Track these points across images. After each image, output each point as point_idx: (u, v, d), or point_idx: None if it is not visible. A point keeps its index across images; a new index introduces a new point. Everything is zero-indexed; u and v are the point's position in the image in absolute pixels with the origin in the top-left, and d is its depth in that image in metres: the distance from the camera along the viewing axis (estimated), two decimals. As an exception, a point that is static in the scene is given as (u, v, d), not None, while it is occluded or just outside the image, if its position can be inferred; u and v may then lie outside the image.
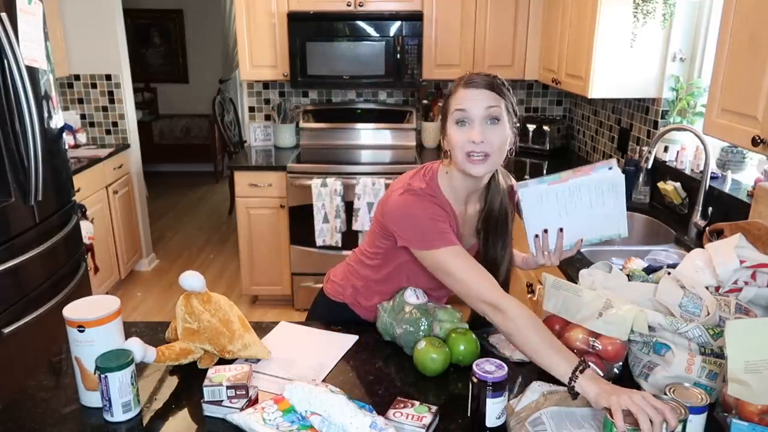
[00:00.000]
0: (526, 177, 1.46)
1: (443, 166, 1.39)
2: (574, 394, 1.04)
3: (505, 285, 1.42)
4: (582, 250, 2.10)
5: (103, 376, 1.05)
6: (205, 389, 1.09)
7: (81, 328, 1.08)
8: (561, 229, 1.34)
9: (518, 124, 1.38)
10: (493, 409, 1.04)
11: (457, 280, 1.25)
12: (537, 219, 1.34)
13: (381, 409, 1.06)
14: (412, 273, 1.41)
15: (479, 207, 1.43)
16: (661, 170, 2.60)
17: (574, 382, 1.03)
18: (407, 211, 1.30)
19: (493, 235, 1.41)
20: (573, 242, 1.37)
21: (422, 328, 1.30)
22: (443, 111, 1.35)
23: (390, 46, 3.45)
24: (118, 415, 1.08)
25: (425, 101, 3.92)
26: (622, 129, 3.09)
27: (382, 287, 1.46)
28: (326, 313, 1.57)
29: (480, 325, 1.38)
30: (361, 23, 3.44)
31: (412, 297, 1.37)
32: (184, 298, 1.26)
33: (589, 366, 1.07)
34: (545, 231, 1.34)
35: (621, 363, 1.19)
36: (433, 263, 1.28)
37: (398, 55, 3.47)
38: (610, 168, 1.31)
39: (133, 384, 1.08)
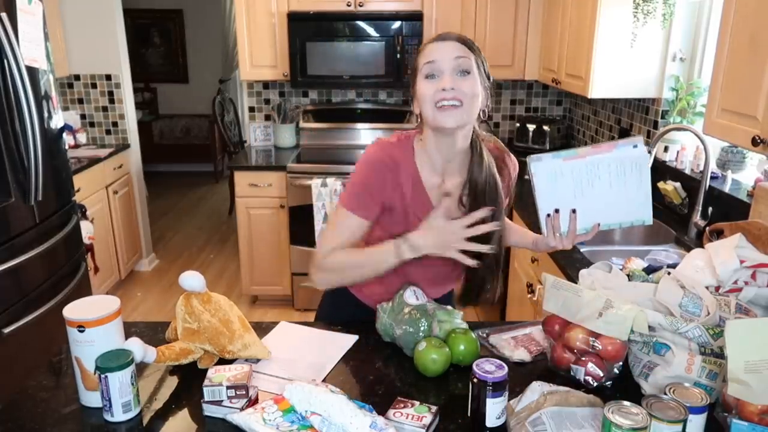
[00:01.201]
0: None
1: (417, 135, 1.36)
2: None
3: (497, 263, 1.38)
4: (582, 250, 2.10)
5: (103, 376, 1.05)
6: (205, 389, 1.09)
7: (81, 328, 1.08)
8: (574, 211, 1.26)
9: (490, 86, 1.31)
10: (493, 409, 1.04)
11: (325, 230, 1.39)
12: (550, 197, 1.25)
13: (381, 409, 1.06)
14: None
15: (460, 179, 1.36)
16: (661, 170, 2.60)
17: (403, 247, 1.25)
18: (356, 168, 1.34)
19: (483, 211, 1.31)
20: (588, 226, 1.28)
21: (422, 328, 1.30)
22: (412, 70, 1.30)
23: (390, 46, 3.45)
24: (118, 415, 1.07)
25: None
26: (622, 129, 3.09)
27: None
28: (331, 308, 1.56)
29: (468, 299, 1.43)
30: (361, 23, 3.44)
31: (412, 298, 1.36)
32: (184, 298, 1.26)
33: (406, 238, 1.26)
34: (556, 211, 1.26)
35: (621, 363, 1.19)
36: (333, 212, 1.37)
37: (398, 55, 3.47)
38: (635, 146, 1.20)
39: (133, 384, 1.08)
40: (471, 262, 1.25)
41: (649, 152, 2.27)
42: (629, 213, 1.26)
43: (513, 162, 1.46)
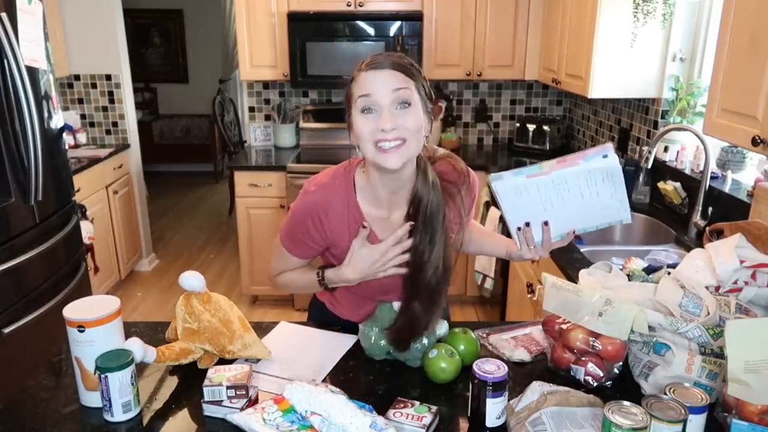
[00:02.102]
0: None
1: (359, 166, 1.28)
2: (331, 288, 1.34)
3: (438, 287, 1.24)
4: (582, 250, 2.10)
5: (103, 376, 1.05)
6: (205, 389, 1.09)
7: (81, 328, 1.08)
8: (546, 223, 1.21)
9: (432, 109, 1.21)
10: (493, 409, 1.04)
11: (272, 256, 1.41)
12: (518, 213, 1.21)
13: (381, 409, 1.06)
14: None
15: (405, 205, 1.25)
16: (661, 170, 2.60)
17: (322, 276, 1.31)
18: (289, 212, 1.33)
19: (422, 232, 1.21)
20: (563, 233, 1.24)
21: (425, 336, 1.26)
22: (346, 99, 1.19)
23: (390, 46, 3.45)
24: (118, 415, 1.08)
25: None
26: (622, 129, 3.09)
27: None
28: (318, 313, 1.54)
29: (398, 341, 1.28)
30: (361, 23, 3.44)
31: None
32: (184, 298, 1.26)
33: (326, 268, 1.32)
34: (527, 224, 1.22)
35: (621, 363, 1.19)
36: (274, 244, 1.40)
37: (398, 55, 3.47)
38: (605, 156, 1.12)
39: (133, 384, 1.08)
40: (402, 271, 1.25)
41: (649, 152, 2.27)
42: (606, 216, 1.21)
43: (472, 181, 1.32)
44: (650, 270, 1.43)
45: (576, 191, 1.16)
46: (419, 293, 1.23)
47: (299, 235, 1.31)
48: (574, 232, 1.25)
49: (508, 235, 1.34)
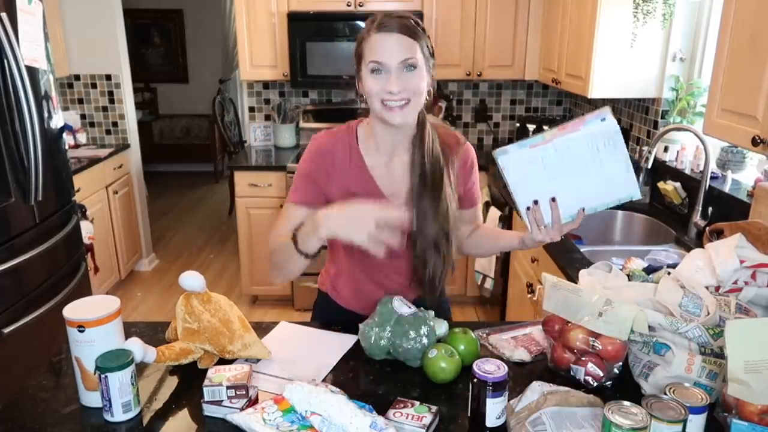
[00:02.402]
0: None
1: (362, 121, 1.39)
2: (304, 254, 1.21)
3: (440, 242, 1.34)
4: (582, 250, 2.10)
5: (103, 376, 1.05)
6: (205, 389, 1.09)
7: (81, 328, 1.08)
8: (553, 199, 1.21)
9: (434, 65, 1.31)
10: (493, 409, 1.04)
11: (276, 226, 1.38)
12: (525, 189, 1.20)
13: (381, 409, 1.06)
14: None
15: (407, 159, 1.36)
16: (661, 170, 2.60)
17: (296, 239, 1.20)
18: (299, 163, 1.39)
19: (421, 186, 1.32)
20: (573, 213, 1.22)
21: (425, 335, 1.26)
22: (357, 55, 1.29)
23: (390, 46, 3.45)
24: (118, 415, 1.08)
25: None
26: (622, 129, 3.09)
27: (339, 266, 1.51)
28: (322, 311, 1.58)
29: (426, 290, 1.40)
30: (361, 23, 3.44)
31: (403, 307, 1.31)
32: (184, 298, 1.26)
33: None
34: (535, 202, 1.22)
35: (621, 363, 1.19)
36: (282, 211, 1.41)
37: (398, 55, 3.47)
38: (603, 119, 1.13)
39: (133, 384, 1.08)
40: (381, 249, 1.13)
41: (649, 152, 2.27)
42: (613, 192, 1.20)
43: (466, 147, 1.44)
44: (650, 270, 1.43)
45: (580, 160, 1.16)
46: (426, 244, 1.33)
47: (304, 180, 1.36)
48: (583, 211, 1.23)
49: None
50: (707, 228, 1.65)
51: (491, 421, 1.05)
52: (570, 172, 1.17)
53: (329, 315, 1.55)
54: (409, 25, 1.23)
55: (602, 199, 1.21)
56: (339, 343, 1.37)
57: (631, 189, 1.19)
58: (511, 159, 1.17)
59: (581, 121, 1.14)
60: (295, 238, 1.21)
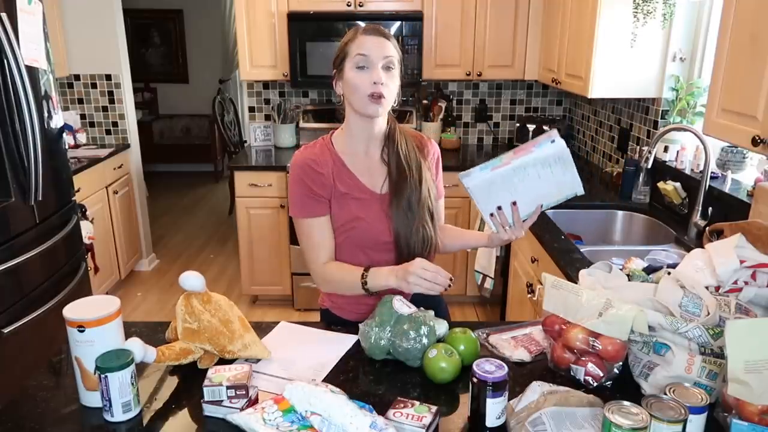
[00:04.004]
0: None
1: (334, 132, 1.51)
2: (370, 293, 1.39)
3: (425, 225, 1.47)
4: (582, 250, 2.10)
5: (103, 376, 1.05)
6: (205, 389, 1.09)
7: (81, 328, 1.08)
8: (514, 203, 1.37)
9: (401, 72, 1.47)
10: (493, 409, 1.04)
11: (302, 248, 1.49)
12: (489, 202, 1.38)
13: (381, 409, 1.06)
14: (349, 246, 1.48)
15: (380, 152, 1.50)
16: (661, 170, 2.60)
17: (365, 279, 1.37)
18: (289, 185, 1.48)
19: (398, 175, 1.46)
20: (530, 211, 1.40)
21: (425, 335, 1.26)
22: (340, 56, 1.41)
23: (390, 46, 3.45)
24: (118, 415, 1.08)
25: (425, 101, 3.92)
26: (622, 129, 3.09)
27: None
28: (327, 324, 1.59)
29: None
30: (361, 23, 3.44)
31: (403, 307, 1.31)
32: (184, 298, 1.26)
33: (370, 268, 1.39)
34: (499, 208, 1.38)
35: (621, 363, 1.19)
36: (296, 228, 1.50)
37: (398, 55, 3.47)
38: (552, 141, 1.30)
39: (133, 384, 1.08)
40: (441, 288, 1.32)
41: (649, 152, 2.27)
42: (563, 191, 1.37)
43: (432, 143, 1.60)
44: (650, 270, 1.43)
45: (534, 174, 1.33)
46: (407, 229, 1.45)
47: (304, 197, 1.44)
48: (541, 207, 1.40)
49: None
50: (707, 228, 1.65)
51: (491, 421, 1.05)
52: (527, 185, 1.35)
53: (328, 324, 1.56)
54: (389, 34, 1.43)
55: (554, 197, 1.38)
56: (339, 343, 1.37)
57: (577, 187, 1.36)
58: (474, 180, 1.34)
59: (533, 143, 1.31)
60: (365, 278, 1.38)
